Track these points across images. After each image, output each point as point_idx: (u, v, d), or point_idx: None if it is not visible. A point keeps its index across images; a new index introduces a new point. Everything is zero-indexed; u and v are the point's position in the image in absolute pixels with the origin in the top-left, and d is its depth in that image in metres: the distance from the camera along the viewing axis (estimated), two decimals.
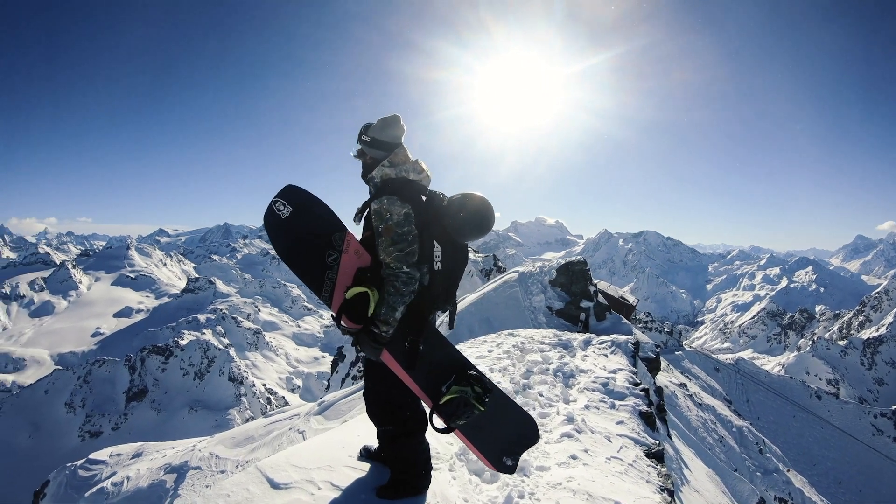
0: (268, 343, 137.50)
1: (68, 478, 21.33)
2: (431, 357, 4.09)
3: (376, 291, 3.76)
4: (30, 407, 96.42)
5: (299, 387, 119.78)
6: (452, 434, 4.16)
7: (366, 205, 4.03)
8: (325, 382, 60.47)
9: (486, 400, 4.02)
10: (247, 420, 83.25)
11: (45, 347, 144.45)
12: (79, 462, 21.80)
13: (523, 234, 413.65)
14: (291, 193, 4.03)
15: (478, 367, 4.66)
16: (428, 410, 4.17)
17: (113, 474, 17.30)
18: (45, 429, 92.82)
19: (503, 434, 4.31)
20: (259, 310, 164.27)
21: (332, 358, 50.34)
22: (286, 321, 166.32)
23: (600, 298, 22.00)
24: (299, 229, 4.01)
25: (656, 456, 5.84)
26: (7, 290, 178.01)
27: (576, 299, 21.33)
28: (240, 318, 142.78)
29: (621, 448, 5.79)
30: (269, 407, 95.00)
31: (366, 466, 4.63)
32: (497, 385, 7.25)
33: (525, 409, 6.55)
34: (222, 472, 12.43)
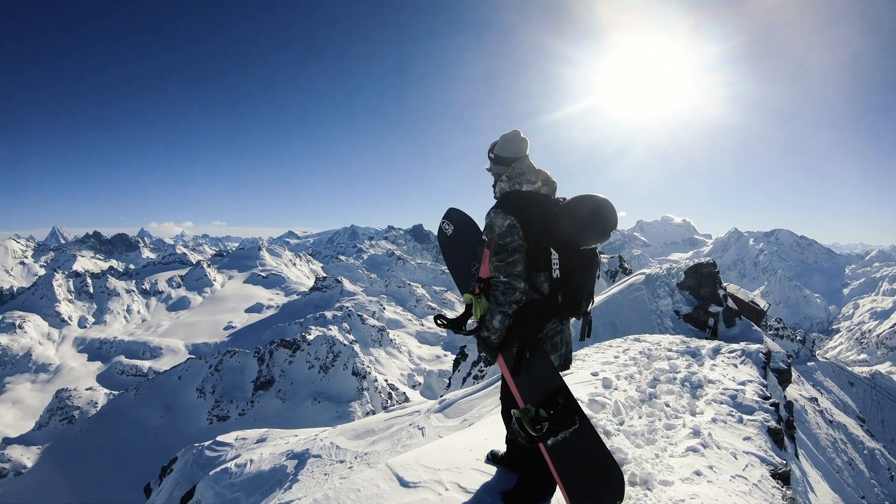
0: (391, 340, 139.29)
1: (195, 456, 22.46)
2: (537, 369, 4.05)
3: (483, 299, 3.96)
4: (164, 390, 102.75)
5: (420, 384, 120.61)
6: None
7: None
8: (446, 380, 60.54)
9: (540, 427, 3.82)
10: (367, 413, 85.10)
11: (181, 338, 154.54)
12: (206, 443, 22.94)
13: (649, 233, 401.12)
14: (453, 214, 4.75)
15: (598, 377, 4.55)
16: None
17: (237, 456, 17.93)
18: (177, 411, 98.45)
19: (586, 477, 4.05)
20: (384, 308, 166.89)
21: (454, 357, 50.53)
22: (410, 319, 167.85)
23: (730, 303, 21.00)
24: (459, 244, 4.66)
25: (782, 477, 5.59)
26: (147, 286, 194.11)
27: (704, 304, 20.42)
28: (365, 316, 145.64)
29: (747, 466, 5.56)
30: (389, 402, 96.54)
31: (492, 470, 4.69)
32: (623, 394, 7.14)
33: (651, 419, 6.41)
34: (341, 461, 12.60)
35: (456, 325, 4.16)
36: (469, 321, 4.20)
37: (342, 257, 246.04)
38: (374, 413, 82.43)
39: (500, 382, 11.61)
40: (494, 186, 4.38)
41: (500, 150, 4.34)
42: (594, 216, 3.89)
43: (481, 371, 37.34)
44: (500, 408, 4.73)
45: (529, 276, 3.93)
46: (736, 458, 5.67)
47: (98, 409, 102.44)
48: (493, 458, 4.84)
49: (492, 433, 5.55)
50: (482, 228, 4.25)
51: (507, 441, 4.62)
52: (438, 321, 4.19)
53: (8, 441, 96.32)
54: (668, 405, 6.87)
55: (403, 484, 4.40)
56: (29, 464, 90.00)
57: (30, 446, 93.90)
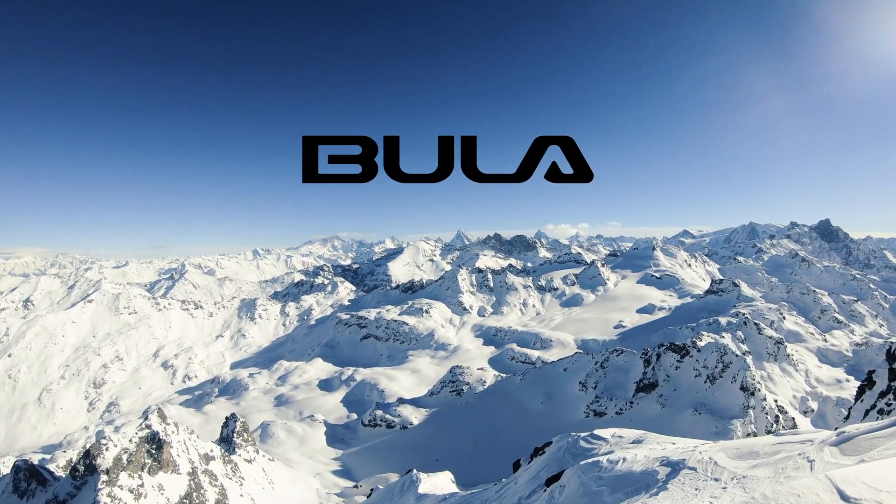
0: (788, 355, 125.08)
1: (570, 444, 22.92)
2: None
3: None
4: (548, 379, 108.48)
5: (813, 410, 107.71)
6: None
7: None
8: (845, 411, 54.23)
9: None
10: (747, 434, 79.57)
11: (571, 332, 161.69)
12: (582, 434, 23.29)
13: None
14: None
15: None
16: None
17: (610, 452, 17.80)
18: (556, 400, 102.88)
19: None
20: (783, 317, 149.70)
21: (858, 383, 44.84)
22: (811, 333, 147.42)
23: None
24: None
25: None
26: (543, 282, 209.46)
27: None
28: (762, 325, 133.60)
29: None
30: (775, 426, 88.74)
31: None
32: None
33: None
34: (716, 479, 11.62)
35: None
36: None
37: (740, 258, 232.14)
38: (754, 435, 76.70)
39: None
40: None
41: None
42: None
43: (889, 405, 32.40)
44: None
45: None
46: None
47: (485, 388, 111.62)
48: None
49: None
50: None
51: None
52: None
53: (402, 401, 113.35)
54: None
55: (844, 498, 4.12)
56: (415, 421, 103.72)
57: (419, 408, 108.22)
